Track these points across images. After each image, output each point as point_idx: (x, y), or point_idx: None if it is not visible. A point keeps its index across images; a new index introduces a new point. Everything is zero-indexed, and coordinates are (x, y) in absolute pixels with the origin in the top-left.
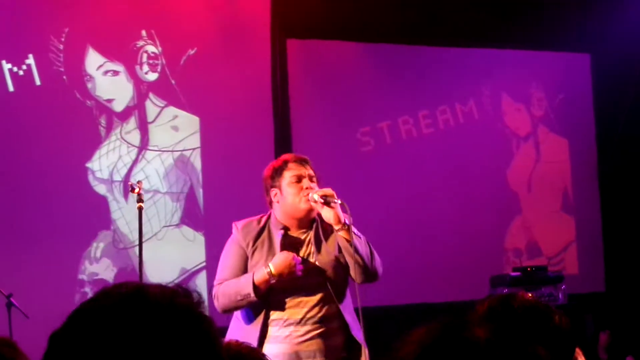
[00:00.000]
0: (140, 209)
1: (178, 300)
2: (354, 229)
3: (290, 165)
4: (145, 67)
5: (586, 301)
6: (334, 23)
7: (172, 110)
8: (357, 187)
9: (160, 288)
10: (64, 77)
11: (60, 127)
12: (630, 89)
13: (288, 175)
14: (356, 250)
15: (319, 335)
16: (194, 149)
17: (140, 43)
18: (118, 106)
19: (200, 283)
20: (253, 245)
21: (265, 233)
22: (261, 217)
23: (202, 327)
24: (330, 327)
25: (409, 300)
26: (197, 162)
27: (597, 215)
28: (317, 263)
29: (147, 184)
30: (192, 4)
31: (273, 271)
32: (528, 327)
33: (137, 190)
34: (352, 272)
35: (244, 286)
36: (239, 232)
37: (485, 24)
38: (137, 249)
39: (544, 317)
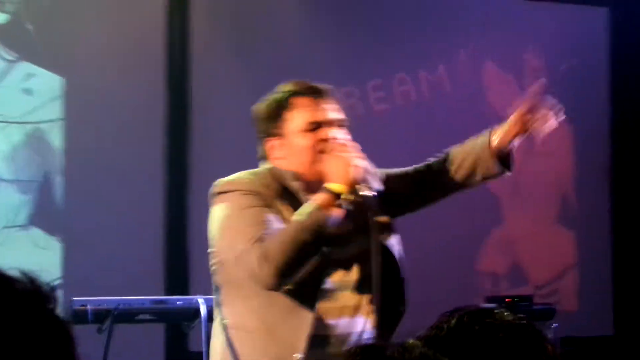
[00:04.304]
0: None
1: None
2: None
3: (299, 101)
4: None
5: (587, 347)
6: None
7: (25, 66)
8: None
9: None
10: None
11: None
12: None
13: (297, 120)
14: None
15: None
16: (53, 121)
17: None
18: None
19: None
20: (279, 206)
21: (280, 190)
22: (252, 173)
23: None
24: None
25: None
26: (57, 139)
27: (606, 230)
28: (359, 254)
29: None
30: None
31: (336, 186)
32: (511, 355)
33: None
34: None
35: (307, 218)
36: (249, 183)
37: None
38: None
39: (533, 344)
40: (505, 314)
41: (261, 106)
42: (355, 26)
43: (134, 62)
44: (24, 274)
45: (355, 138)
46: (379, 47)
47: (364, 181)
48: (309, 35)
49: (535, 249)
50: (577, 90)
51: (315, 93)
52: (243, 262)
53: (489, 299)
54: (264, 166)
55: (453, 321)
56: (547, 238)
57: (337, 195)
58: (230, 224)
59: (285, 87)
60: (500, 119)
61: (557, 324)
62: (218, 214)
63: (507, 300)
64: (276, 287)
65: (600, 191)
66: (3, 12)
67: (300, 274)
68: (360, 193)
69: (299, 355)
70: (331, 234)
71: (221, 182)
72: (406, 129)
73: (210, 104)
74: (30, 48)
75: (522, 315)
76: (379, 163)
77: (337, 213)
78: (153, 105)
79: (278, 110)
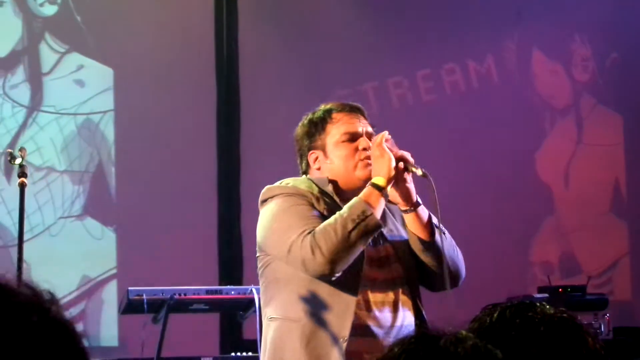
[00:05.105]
0: (22, 185)
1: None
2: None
3: (338, 116)
4: None
5: None
6: None
7: (76, 57)
8: None
9: None
10: None
11: None
12: None
13: (336, 131)
14: (436, 248)
15: None
16: (105, 112)
17: None
18: (1, 50)
19: (108, 297)
20: (320, 207)
21: (320, 194)
22: (294, 180)
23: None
24: None
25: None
26: (108, 130)
27: None
28: (393, 252)
29: (37, 158)
30: None
31: (380, 180)
32: (551, 349)
33: (18, 160)
34: (424, 276)
35: (352, 210)
36: (292, 187)
37: None
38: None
39: (573, 338)
40: (547, 307)
41: (302, 125)
42: (403, 17)
43: (183, 53)
44: (24, 283)
45: (405, 127)
46: (427, 38)
47: (411, 163)
48: (358, 26)
49: (588, 239)
50: (626, 80)
51: (352, 109)
52: (295, 253)
53: (542, 289)
54: (300, 178)
55: (495, 314)
56: (600, 228)
57: (380, 189)
58: (277, 223)
59: (326, 106)
60: (548, 108)
61: (609, 314)
62: (263, 218)
63: (560, 290)
64: (329, 274)
65: None
66: (52, 3)
67: (350, 262)
68: (419, 173)
69: (343, 340)
70: (378, 225)
71: (265, 190)
72: (455, 119)
73: (259, 94)
74: (80, 39)
75: (563, 309)
76: (428, 153)
77: (380, 205)
78: (204, 96)
79: (320, 125)
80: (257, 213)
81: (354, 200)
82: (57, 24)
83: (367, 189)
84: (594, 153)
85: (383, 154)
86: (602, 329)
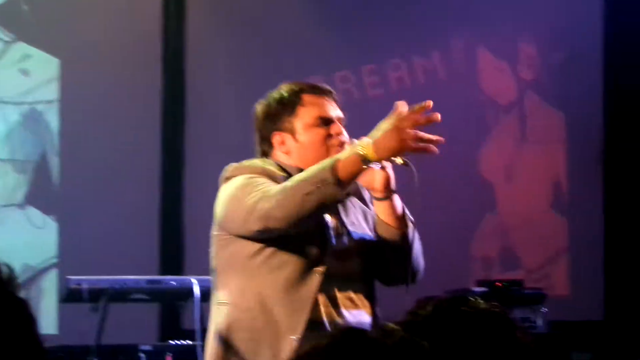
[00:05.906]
0: None
1: None
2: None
3: (309, 98)
4: None
5: (576, 332)
6: None
7: (22, 47)
8: None
9: None
10: None
11: None
12: None
13: (308, 115)
14: (405, 240)
15: None
16: (49, 101)
17: None
18: None
19: (48, 285)
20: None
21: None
22: (262, 161)
23: (14, 304)
24: None
25: None
26: (53, 120)
27: (598, 217)
28: (354, 246)
29: None
30: None
31: (370, 152)
32: (482, 342)
33: None
34: (383, 269)
35: (317, 170)
36: (260, 168)
37: None
38: None
39: (504, 332)
40: (480, 301)
41: (269, 103)
42: (350, 11)
43: (130, 44)
44: None
45: (351, 123)
46: (373, 32)
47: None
48: (304, 21)
49: (528, 234)
50: (571, 78)
51: (323, 92)
52: (247, 208)
53: (480, 283)
54: (268, 160)
55: (429, 308)
56: (540, 224)
57: (366, 161)
58: (237, 193)
59: (295, 86)
60: (493, 105)
61: (546, 308)
62: (224, 193)
63: (497, 284)
64: (272, 227)
65: (593, 178)
66: None
67: (299, 227)
68: (399, 162)
69: (295, 338)
70: (335, 199)
71: (231, 167)
72: None
73: (205, 86)
74: (27, 29)
75: (495, 304)
76: None
77: (353, 173)
78: (149, 87)
79: (289, 106)
80: (199, 205)
81: (324, 162)
82: (3, 13)
83: (350, 152)
84: (536, 151)
85: (401, 133)
86: (539, 323)
